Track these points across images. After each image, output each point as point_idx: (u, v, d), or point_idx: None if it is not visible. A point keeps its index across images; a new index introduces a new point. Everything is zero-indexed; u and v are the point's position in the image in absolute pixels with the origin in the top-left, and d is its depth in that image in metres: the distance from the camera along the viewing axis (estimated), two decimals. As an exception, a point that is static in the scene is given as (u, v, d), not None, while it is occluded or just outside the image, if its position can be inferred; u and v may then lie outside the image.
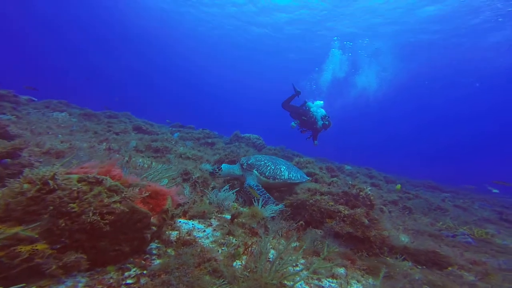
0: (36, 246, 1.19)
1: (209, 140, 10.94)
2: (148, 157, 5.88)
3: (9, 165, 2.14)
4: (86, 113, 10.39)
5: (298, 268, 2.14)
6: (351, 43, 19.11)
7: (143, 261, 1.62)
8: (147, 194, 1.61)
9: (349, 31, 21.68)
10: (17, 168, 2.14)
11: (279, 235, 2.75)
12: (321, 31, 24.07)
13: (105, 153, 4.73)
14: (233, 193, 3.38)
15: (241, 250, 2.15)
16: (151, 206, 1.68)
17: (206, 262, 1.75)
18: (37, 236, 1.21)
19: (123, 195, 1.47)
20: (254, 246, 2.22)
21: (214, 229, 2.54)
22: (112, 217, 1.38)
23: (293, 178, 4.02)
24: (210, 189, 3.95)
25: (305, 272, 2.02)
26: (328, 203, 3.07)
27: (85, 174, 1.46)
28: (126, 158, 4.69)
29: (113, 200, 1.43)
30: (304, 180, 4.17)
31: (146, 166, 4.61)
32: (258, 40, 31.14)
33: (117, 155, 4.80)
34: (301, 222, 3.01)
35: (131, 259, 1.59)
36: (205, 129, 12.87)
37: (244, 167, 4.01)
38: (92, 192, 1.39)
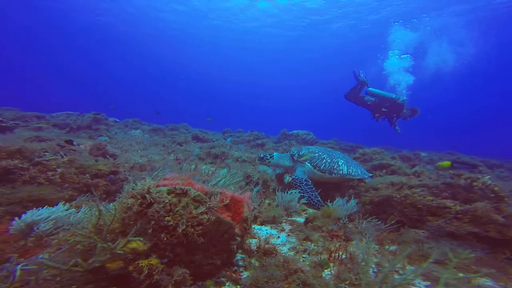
0: (151, 261, 1.23)
1: (259, 141, 11.02)
2: (210, 163, 6.23)
3: (114, 181, 2.46)
4: (154, 128, 11.90)
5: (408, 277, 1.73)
6: (416, 20, 15.88)
7: (233, 274, 1.55)
8: (227, 201, 1.52)
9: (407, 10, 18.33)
10: (119, 183, 2.45)
11: (365, 237, 2.36)
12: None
13: (175, 163, 5.19)
14: (297, 192, 3.14)
15: (325, 257, 1.89)
16: (230, 214, 1.60)
17: (293, 274, 1.56)
18: (147, 249, 1.25)
19: (208, 205, 1.41)
20: (340, 252, 1.93)
21: (289, 235, 2.36)
22: (202, 228, 1.33)
23: (353, 173, 3.49)
24: (271, 190, 3.82)
25: (424, 284, 1.61)
26: (425, 197, 2.49)
27: (171, 186, 1.47)
28: (193, 166, 5.03)
29: (200, 211, 1.39)
30: (365, 176, 3.59)
31: (211, 172, 4.84)
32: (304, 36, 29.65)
33: (184, 164, 5.20)
34: (391, 220, 2.52)
35: (223, 272, 1.53)
36: (254, 131, 13.04)
37: (295, 158, 3.68)
38: (181, 204, 1.38)
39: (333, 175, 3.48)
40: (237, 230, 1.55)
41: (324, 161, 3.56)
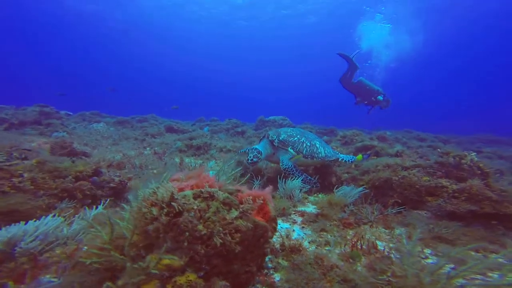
0: (188, 276, 1.01)
1: (239, 129, 10.79)
2: (193, 156, 5.83)
3: (99, 183, 2.05)
4: (119, 120, 10.72)
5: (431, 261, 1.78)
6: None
7: (266, 278, 1.40)
8: (260, 201, 1.33)
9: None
10: (105, 185, 2.05)
11: (372, 221, 2.41)
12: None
13: (155, 157, 4.70)
14: (298, 181, 3.08)
15: (356, 251, 1.85)
16: (261, 216, 1.42)
17: (330, 270, 1.49)
18: (183, 263, 1.02)
19: (241, 209, 1.21)
20: (363, 241, 1.92)
21: (302, 227, 2.29)
22: (240, 235, 1.13)
23: (329, 155, 3.58)
24: (265, 179, 3.70)
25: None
26: (421, 178, 2.62)
27: (196, 189, 1.22)
28: (177, 160, 4.61)
29: (234, 215, 1.19)
30: (337, 156, 3.72)
31: (198, 165, 4.50)
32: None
33: (167, 158, 4.75)
34: (391, 201, 2.61)
35: (257, 278, 1.37)
36: (232, 119, 12.71)
37: (276, 144, 3.46)
38: (211, 209, 1.16)
39: (314, 159, 3.47)
40: (269, 232, 1.38)
41: (305, 145, 3.50)
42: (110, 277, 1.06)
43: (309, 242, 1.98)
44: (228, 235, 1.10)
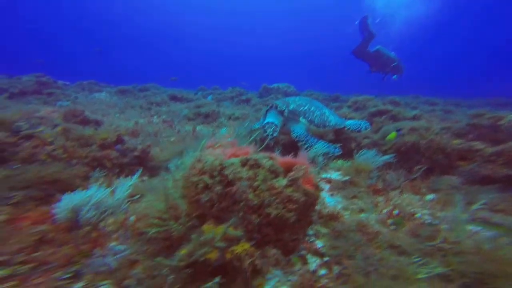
0: (243, 245, 0.98)
1: (243, 97, 10.46)
2: (202, 123, 5.69)
3: (123, 151, 1.98)
4: (120, 89, 10.34)
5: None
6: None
7: (310, 245, 1.38)
8: (311, 174, 1.24)
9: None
10: (128, 153, 1.98)
11: (400, 187, 2.38)
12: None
13: (166, 125, 4.57)
14: (321, 146, 2.98)
15: (399, 217, 1.83)
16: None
17: (375, 237, 1.47)
18: (241, 234, 0.98)
19: (291, 177, 1.12)
20: (397, 208, 1.90)
21: (332, 194, 2.26)
22: (295, 206, 1.07)
23: (339, 123, 3.40)
24: (281, 146, 3.61)
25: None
26: (451, 141, 2.51)
27: (242, 156, 1.12)
28: (187, 128, 4.50)
29: (283, 184, 1.10)
30: (345, 124, 3.50)
31: (210, 133, 4.40)
32: None
33: (179, 127, 4.62)
34: (420, 167, 2.55)
35: (302, 245, 1.36)
36: (235, 87, 12.23)
37: (286, 114, 3.23)
38: (259, 178, 1.08)
39: (326, 127, 3.30)
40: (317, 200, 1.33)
41: (315, 114, 3.30)
42: (168, 246, 1.02)
43: (342, 209, 1.96)
44: (281, 204, 1.04)
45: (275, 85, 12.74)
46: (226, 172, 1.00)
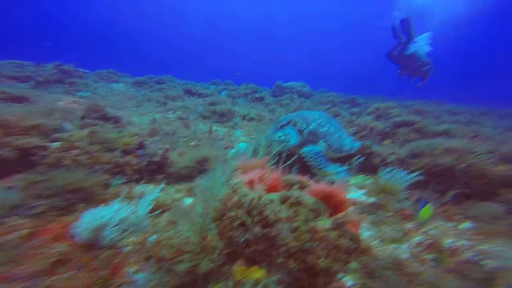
0: None
1: (257, 95, 10.31)
2: (216, 123, 5.62)
3: (143, 156, 1.92)
4: (137, 81, 10.45)
5: None
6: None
7: (339, 284, 1.26)
8: (351, 215, 1.10)
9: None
10: (148, 158, 1.92)
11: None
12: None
13: (182, 124, 4.53)
14: (337, 165, 2.76)
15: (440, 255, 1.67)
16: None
17: (415, 278, 1.33)
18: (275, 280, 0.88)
19: (338, 221, 0.99)
20: (433, 238, 1.74)
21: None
22: (341, 256, 0.94)
23: (352, 147, 3.09)
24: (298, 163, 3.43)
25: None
26: (496, 167, 2.28)
27: (283, 192, 1.00)
28: (202, 126, 4.43)
29: (326, 226, 0.98)
30: (356, 147, 3.15)
31: (225, 134, 4.32)
32: None
33: (194, 126, 4.56)
34: (452, 192, 2.35)
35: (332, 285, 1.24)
36: (249, 83, 12.06)
37: (305, 135, 2.87)
38: (299, 218, 0.96)
39: (343, 152, 2.98)
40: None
41: (334, 137, 2.98)
42: (192, 280, 0.93)
43: (371, 238, 1.82)
44: (325, 251, 0.92)
45: (290, 83, 12.45)
46: (267, 212, 0.89)
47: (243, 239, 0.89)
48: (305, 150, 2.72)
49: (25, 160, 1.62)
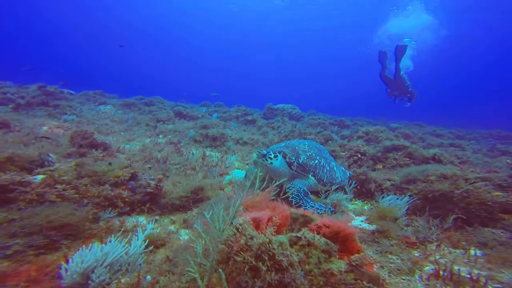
0: None
1: (249, 118, 10.39)
2: (209, 147, 5.51)
3: (135, 188, 1.77)
4: (126, 103, 10.29)
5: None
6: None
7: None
8: (366, 259, 1.01)
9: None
10: (141, 190, 1.76)
11: (438, 240, 2.15)
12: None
13: (173, 149, 4.38)
14: (341, 193, 2.77)
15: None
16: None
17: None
18: None
19: (354, 263, 0.91)
20: (441, 266, 1.66)
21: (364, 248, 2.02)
22: None
23: (343, 179, 3.11)
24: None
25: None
26: (491, 193, 2.33)
27: (292, 234, 0.91)
28: (195, 151, 4.30)
29: (341, 269, 0.89)
30: (347, 179, 3.21)
31: (218, 160, 4.20)
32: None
33: (186, 152, 4.43)
34: (452, 216, 2.33)
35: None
36: (240, 105, 12.23)
37: (294, 168, 2.85)
38: (311, 260, 0.87)
39: (333, 186, 2.93)
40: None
41: (325, 170, 2.96)
42: None
43: (378, 268, 1.71)
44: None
45: (280, 105, 12.72)
46: (279, 258, 0.79)
47: (249, 284, 0.77)
48: (289, 186, 2.70)
49: (1, 197, 1.42)
